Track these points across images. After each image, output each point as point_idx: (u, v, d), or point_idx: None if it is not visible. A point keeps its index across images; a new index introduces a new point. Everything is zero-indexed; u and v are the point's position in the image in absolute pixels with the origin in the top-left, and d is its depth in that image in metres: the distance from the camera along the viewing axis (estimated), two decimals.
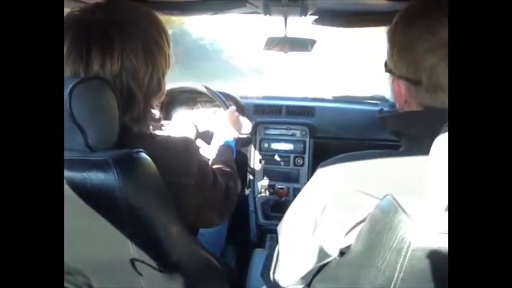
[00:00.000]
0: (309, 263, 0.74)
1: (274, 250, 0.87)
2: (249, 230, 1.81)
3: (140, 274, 0.78)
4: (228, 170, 1.07)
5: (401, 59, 0.70)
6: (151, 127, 0.86)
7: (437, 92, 0.66)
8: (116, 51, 0.73)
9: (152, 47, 0.79)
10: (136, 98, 0.78)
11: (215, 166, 1.05)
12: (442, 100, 0.66)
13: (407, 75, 0.69)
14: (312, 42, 1.43)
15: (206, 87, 1.71)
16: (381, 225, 0.55)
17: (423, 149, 0.63)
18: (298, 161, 1.85)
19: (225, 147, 1.23)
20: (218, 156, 1.17)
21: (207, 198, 0.87)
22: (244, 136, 1.75)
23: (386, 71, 0.76)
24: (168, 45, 0.84)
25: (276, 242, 0.84)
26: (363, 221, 0.62)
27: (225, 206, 0.96)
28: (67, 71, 0.73)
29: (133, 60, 0.75)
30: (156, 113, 0.89)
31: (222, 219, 0.98)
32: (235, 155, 1.26)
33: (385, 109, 1.84)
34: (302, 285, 0.79)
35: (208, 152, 1.21)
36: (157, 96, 0.85)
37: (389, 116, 0.76)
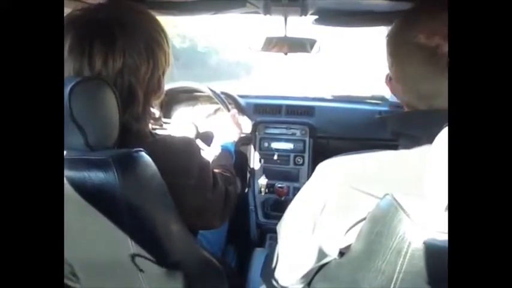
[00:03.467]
0: (309, 263, 0.74)
1: (274, 250, 0.87)
2: (249, 229, 1.81)
3: (140, 273, 0.78)
4: (227, 174, 1.07)
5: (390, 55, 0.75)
6: (151, 126, 0.86)
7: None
8: (118, 48, 0.74)
9: (153, 45, 0.80)
10: (136, 96, 0.79)
11: (215, 170, 1.05)
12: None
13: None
14: (312, 43, 1.43)
15: (206, 87, 1.71)
16: (380, 225, 0.55)
17: (422, 149, 0.64)
18: (298, 160, 1.85)
19: (225, 152, 1.23)
20: (217, 160, 1.17)
21: (207, 199, 0.87)
22: (244, 135, 1.76)
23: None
24: (168, 44, 0.85)
25: (276, 241, 0.84)
26: (363, 219, 0.62)
27: (224, 209, 0.96)
28: (69, 69, 0.74)
29: (135, 57, 0.76)
30: (156, 112, 0.89)
31: (221, 221, 0.98)
32: (234, 159, 1.26)
33: (385, 109, 1.85)
34: (302, 285, 0.79)
35: (208, 154, 1.21)
36: (157, 94, 0.86)
37: (389, 117, 0.77)
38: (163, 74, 0.85)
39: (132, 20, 0.78)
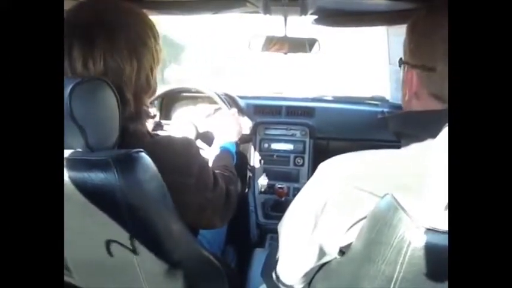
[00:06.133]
0: (310, 262, 0.74)
1: (274, 250, 0.87)
2: (249, 229, 1.81)
3: (140, 273, 0.78)
4: (228, 174, 1.07)
5: (419, 46, 0.70)
6: (150, 126, 0.86)
7: None
8: (97, 51, 0.73)
9: (137, 44, 0.78)
10: (125, 97, 0.77)
11: (215, 170, 1.05)
12: None
13: (422, 62, 0.69)
14: (312, 42, 1.43)
15: (206, 87, 1.71)
16: (380, 224, 0.55)
17: (423, 148, 0.64)
18: (298, 161, 1.85)
19: (225, 153, 1.23)
20: (218, 161, 1.17)
21: (208, 199, 0.87)
22: (244, 136, 1.76)
23: (400, 64, 0.76)
24: (155, 40, 0.83)
25: (276, 241, 0.84)
26: (363, 218, 0.62)
27: (225, 209, 0.96)
28: None
29: (117, 59, 0.75)
30: (152, 110, 0.88)
31: (223, 221, 0.98)
32: (235, 160, 1.26)
33: (386, 110, 1.86)
34: (302, 284, 0.79)
35: (208, 154, 1.21)
36: (148, 93, 0.85)
37: (391, 117, 0.77)
38: (151, 71, 0.84)
39: (113, 19, 0.76)
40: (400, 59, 0.77)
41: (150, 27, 0.82)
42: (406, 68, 0.74)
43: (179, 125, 1.60)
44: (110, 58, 0.74)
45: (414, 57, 0.71)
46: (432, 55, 0.67)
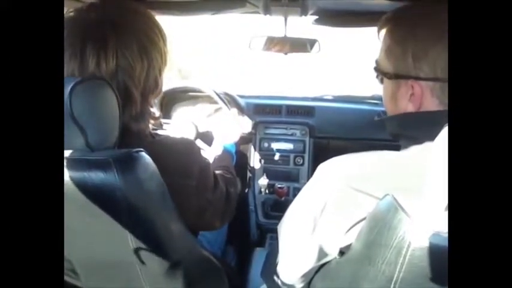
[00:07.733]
0: (309, 262, 0.74)
1: (274, 249, 0.87)
2: (249, 229, 1.81)
3: (140, 273, 0.78)
4: (228, 176, 1.07)
5: (420, 59, 0.66)
6: (151, 126, 0.86)
7: None
8: (110, 50, 0.74)
9: (147, 44, 0.79)
10: (133, 97, 0.78)
11: (216, 171, 1.06)
12: None
13: (432, 75, 0.64)
14: (312, 42, 1.43)
15: (206, 87, 1.71)
16: (380, 225, 0.55)
17: (422, 149, 0.64)
18: (298, 160, 1.85)
19: (225, 154, 1.23)
20: (218, 162, 1.17)
21: (208, 200, 0.87)
22: (244, 135, 1.76)
23: (393, 77, 0.72)
24: (164, 42, 0.84)
25: (276, 241, 0.84)
26: (362, 220, 0.62)
27: (225, 210, 0.96)
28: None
29: (128, 58, 0.75)
30: (155, 111, 0.89)
31: (222, 222, 0.98)
32: (235, 160, 1.26)
33: (384, 110, 1.85)
34: (302, 284, 0.79)
35: (208, 155, 1.21)
36: (154, 93, 0.85)
37: (388, 119, 0.77)
38: (160, 73, 0.84)
39: (124, 20, 0.77)
40: (380, 71, 0.76)
41: (159, 28, 0.83)
42: (408, 82, 0.68)
43: (179, 124, 1.60)
44: (122, 57, 0.75)
45: (419, 70, 0.66)
46: (443, 66, 0.62)
